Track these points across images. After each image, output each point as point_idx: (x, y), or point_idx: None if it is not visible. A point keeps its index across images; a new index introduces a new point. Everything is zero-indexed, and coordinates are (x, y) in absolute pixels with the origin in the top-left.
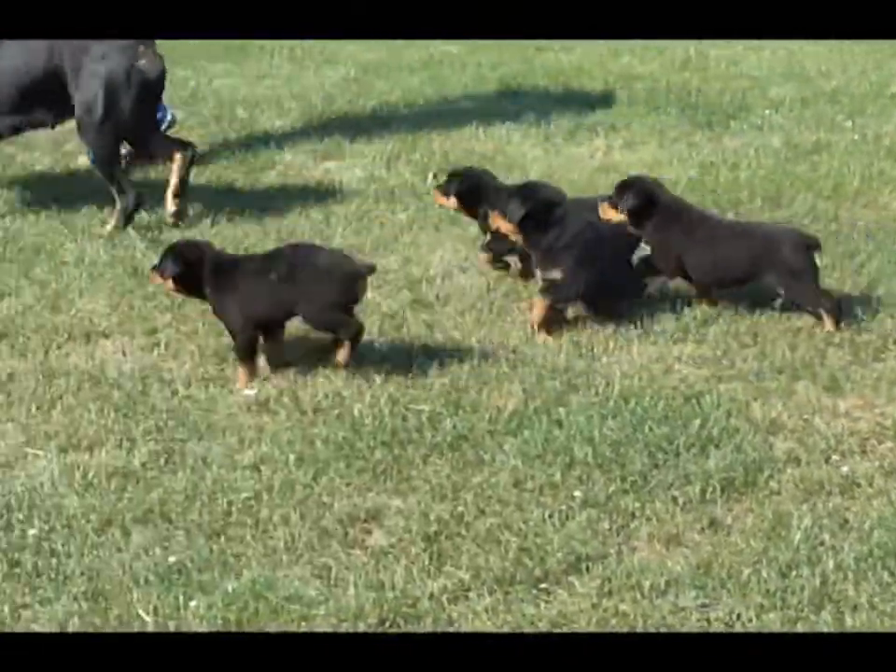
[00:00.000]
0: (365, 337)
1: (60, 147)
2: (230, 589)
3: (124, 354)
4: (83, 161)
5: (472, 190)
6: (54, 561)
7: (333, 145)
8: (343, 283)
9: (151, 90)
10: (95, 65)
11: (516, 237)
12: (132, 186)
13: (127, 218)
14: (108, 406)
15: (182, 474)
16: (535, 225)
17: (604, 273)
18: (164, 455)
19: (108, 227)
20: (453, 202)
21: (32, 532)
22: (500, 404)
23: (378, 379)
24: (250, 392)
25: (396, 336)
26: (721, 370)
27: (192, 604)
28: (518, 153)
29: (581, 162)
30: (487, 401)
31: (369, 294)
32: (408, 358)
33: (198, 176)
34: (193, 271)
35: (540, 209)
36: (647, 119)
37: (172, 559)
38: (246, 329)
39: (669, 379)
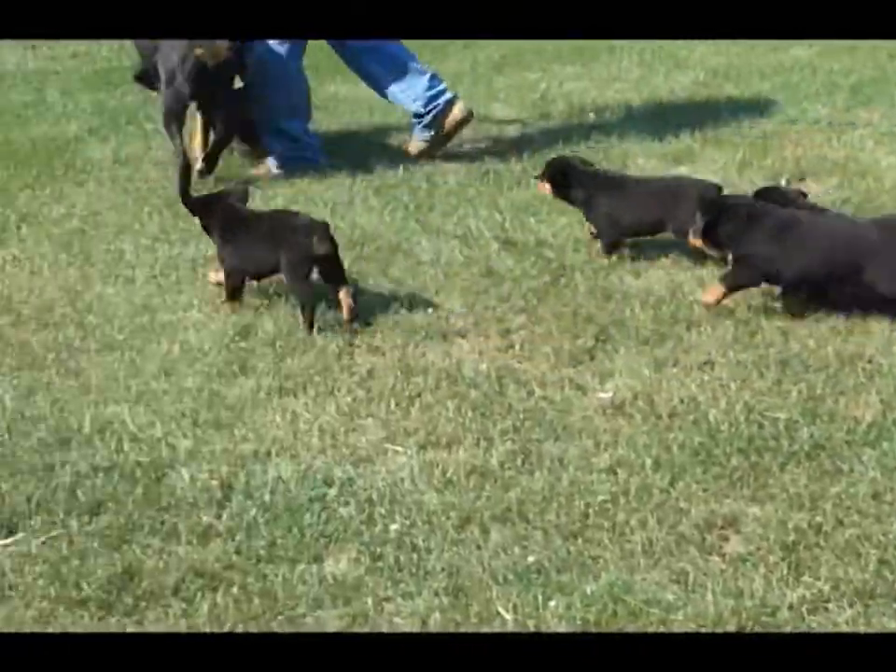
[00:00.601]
0: (718, 343)
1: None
2: (588, 591)
3: (480, 354)
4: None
5: (560, 175)
6: (415, 556)
7: (684, 149)
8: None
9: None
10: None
11: (711, 250)
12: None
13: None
14: (465, 405)
15: (539, 475)
16: (721, 234)
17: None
18: (521, 455)
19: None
20: (547, 187)
21: (394, 527)
22: (858, 414)
23: (733, 385)
24: (605, 395)
25: (750, 342)
26: None
27: (552, 604)
28: (871, 160)
29: None
30: (844, 411)
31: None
32: (763, 365)
33: None
34: None
35: (721, 218)
36: None
37: (530, 559)
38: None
39: None
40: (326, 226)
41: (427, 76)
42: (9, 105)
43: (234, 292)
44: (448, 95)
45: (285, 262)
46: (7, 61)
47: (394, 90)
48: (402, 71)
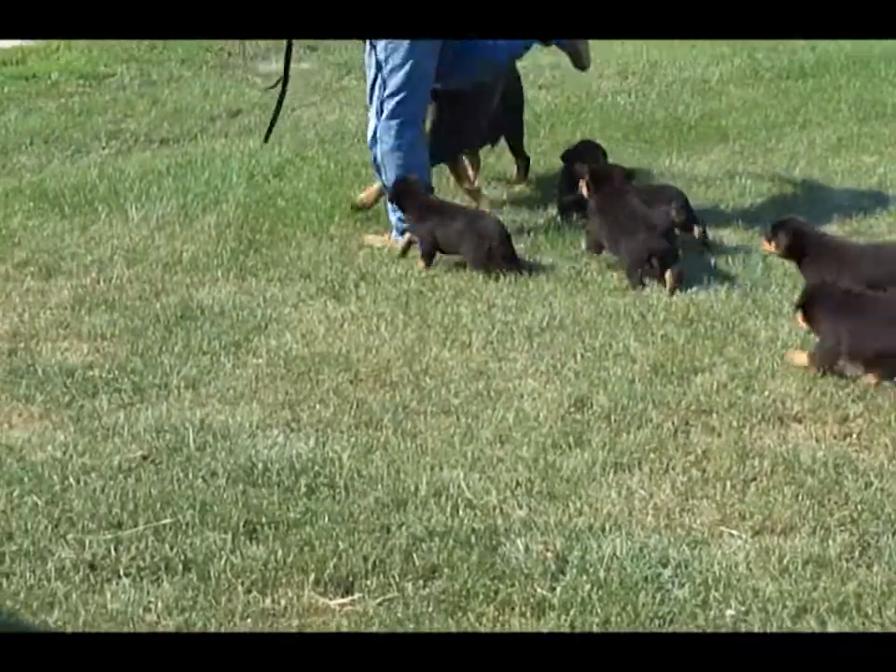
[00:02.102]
0: None
1: None
2: None
3: (817, 440)
4: None
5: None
6: None
7: None
8: None
9: None
10: None
11: None
12: None
13: None
14: (802, 491)
15: (878, 568)
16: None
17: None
18: (859, 546)
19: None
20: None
21: (729, 612)
22: None
23: None
24: None
25: None
26: None
27: None
28: None
29: None
30: None
31: None
32: None
33: None
34: None
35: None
36: None
37: None
38: None
39: None
40: None
41: None
42: (350, 164)
43: None
44: None
45: None
46: (349, 121)
47: None
48: None
